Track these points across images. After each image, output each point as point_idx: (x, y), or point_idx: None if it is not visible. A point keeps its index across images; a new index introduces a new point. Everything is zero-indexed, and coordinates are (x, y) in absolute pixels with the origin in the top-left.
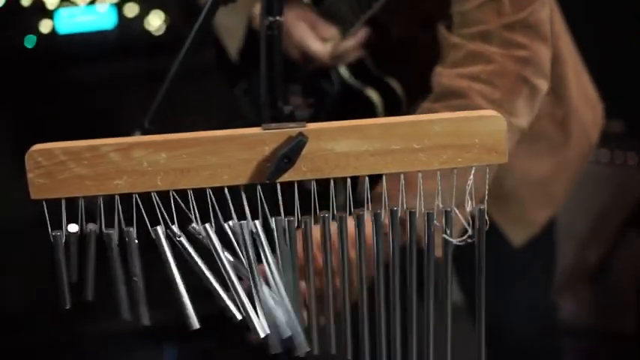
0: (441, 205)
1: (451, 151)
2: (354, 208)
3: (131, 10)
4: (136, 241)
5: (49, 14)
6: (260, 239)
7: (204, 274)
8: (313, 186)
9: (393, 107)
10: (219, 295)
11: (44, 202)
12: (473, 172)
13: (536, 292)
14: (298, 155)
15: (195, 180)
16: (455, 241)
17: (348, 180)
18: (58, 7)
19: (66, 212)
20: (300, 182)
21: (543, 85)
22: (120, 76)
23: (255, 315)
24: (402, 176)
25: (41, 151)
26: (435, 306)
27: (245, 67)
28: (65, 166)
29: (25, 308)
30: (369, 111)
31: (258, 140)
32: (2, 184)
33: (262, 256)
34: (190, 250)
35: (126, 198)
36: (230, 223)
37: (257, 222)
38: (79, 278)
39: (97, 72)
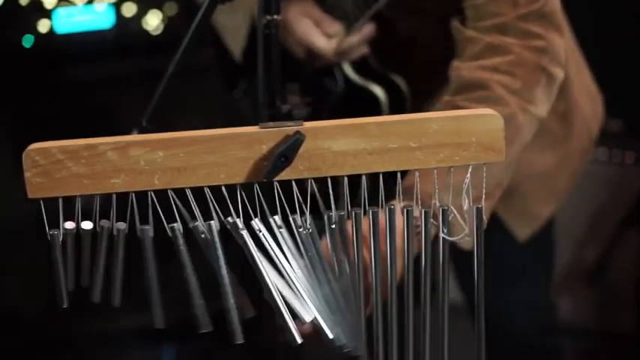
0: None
1: (448, 149)
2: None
3: (129, 10)
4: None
5: (47, 14)
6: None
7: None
8: (311, 185)
9: (398, 104)
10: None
11: (41, 202)
12: (470, 170)
13: (535, 291)
14: (295, 154)
15: (193, 179)
16: (452, 238)
17: (345, 179)
18: (56, 6)
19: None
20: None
21: (560, 73)
22: (118, 76)
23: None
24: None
25: (38, 150)
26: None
27: (248, 68)
28: (62, 165)
29: (25, 308)
30: (373, 108)
31: (255, 139)
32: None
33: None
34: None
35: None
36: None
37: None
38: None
39: (95, 71)
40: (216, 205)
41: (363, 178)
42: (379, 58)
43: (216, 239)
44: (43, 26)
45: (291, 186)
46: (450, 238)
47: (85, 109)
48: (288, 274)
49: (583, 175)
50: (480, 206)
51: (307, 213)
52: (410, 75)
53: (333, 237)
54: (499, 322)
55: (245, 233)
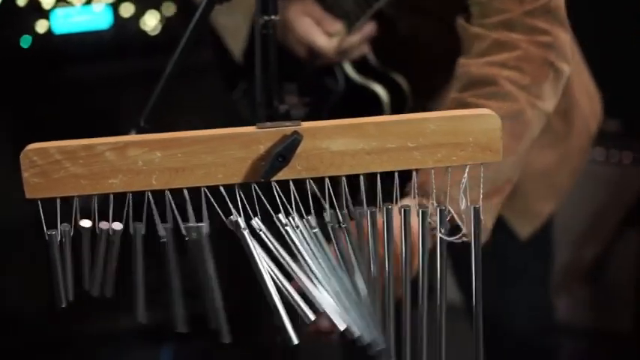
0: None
1: (445, 149)
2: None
3: (127, 10)
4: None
5: (45, 14)
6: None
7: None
8: (310, 184)
9: (399, 103)
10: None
11: (39, 202)
12: (467, 170)
13: (535, 291)
14: (293, 154)
15: (190, 179)
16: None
17: (343, 179)
18: (54, 7)
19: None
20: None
21: (566, 68)
22: (116, 76)
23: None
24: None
25: (36, 150)
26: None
27: (249, 68)
28: (60, 166)
29: (25, 308)
30: (374, 108)
31: (253, 139)
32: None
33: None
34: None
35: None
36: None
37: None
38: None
39: (93, 72)
40: (215, 205)
41: (362, 178)
42: (380, 57)
43: (206, 242)
44: (40, 27)
45: (289, 186)
46: (448, 238)
47: (83, 109)
48: (305, 271)
49: (580, 174)
50: (477, 206)
51: (312, 213)
52: (411, 74)
53: (348, 236)
54: (499, 321)
55: (247, 232)
